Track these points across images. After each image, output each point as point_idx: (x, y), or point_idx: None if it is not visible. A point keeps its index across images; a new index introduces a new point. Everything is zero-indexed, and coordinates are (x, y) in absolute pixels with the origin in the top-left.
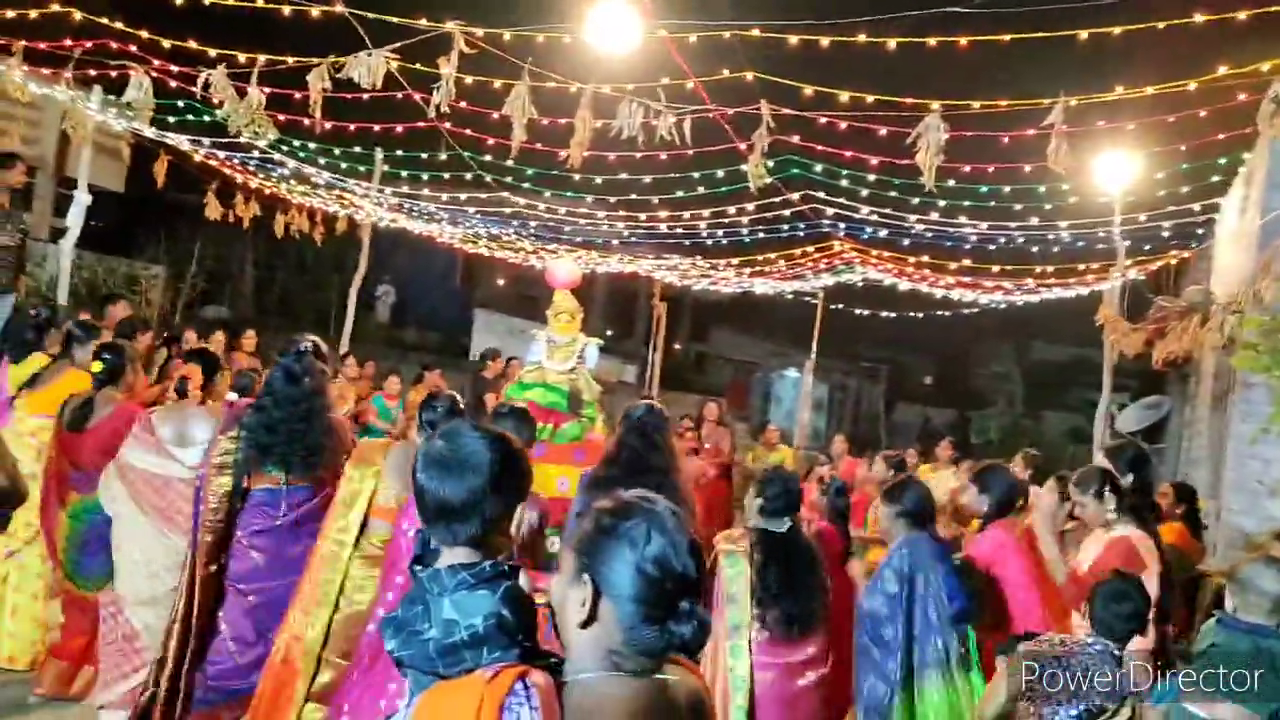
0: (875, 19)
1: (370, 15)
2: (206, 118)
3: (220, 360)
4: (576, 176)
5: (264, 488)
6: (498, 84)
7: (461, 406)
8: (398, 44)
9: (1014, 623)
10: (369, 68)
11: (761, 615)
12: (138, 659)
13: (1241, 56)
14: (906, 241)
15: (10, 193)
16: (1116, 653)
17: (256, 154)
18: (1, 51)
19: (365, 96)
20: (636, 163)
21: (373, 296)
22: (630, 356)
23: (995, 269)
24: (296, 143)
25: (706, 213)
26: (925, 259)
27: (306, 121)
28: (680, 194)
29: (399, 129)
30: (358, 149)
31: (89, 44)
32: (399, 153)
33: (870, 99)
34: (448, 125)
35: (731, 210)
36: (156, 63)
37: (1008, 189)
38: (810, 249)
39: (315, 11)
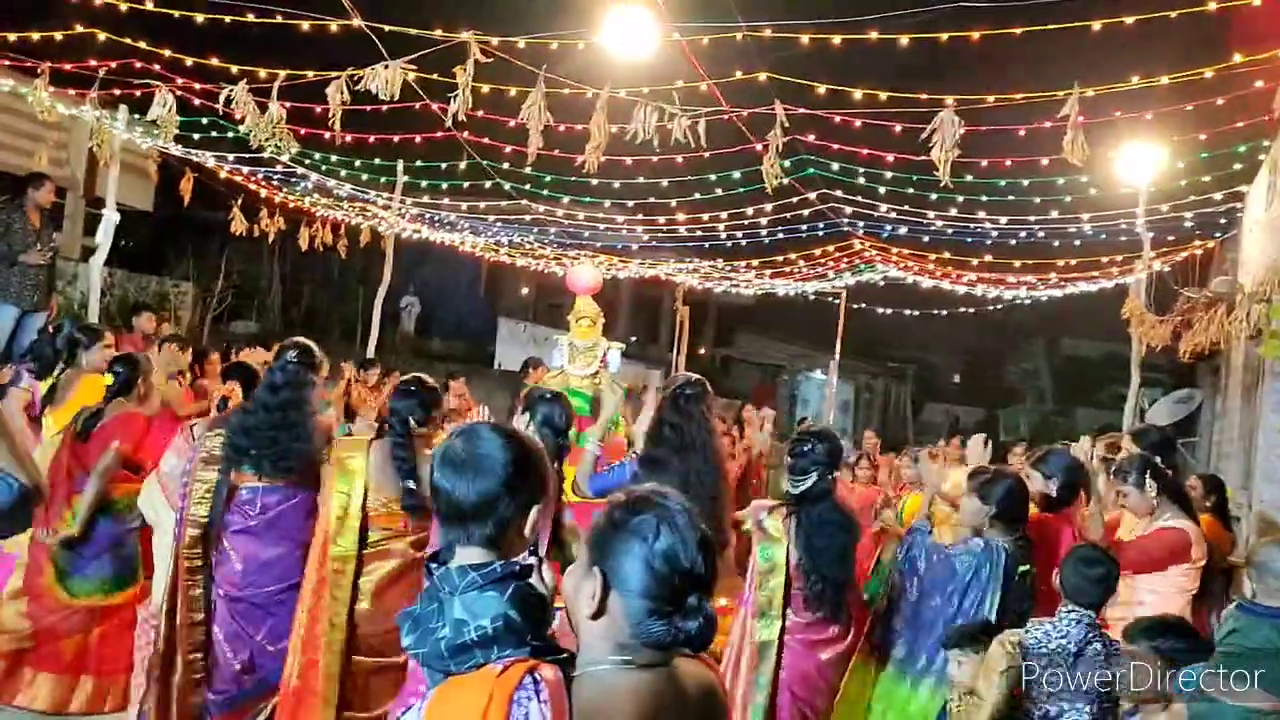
0: (886, 16)
1: (387, 28)
2: (230, 134)
3: (257, 372)
4: (594, 182)
5: (246, 486)
6: (513, 91)
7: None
8: (414, 55)
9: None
10: (386, 79)
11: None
12: None
13: (1257, 43)
14: (926, 238)
15: (40, 212)
16: (1093, 621)
17: (279, 168)
18: (28, 73)
19: (384, 108)
20: (653, 166)
21: (398, 308)
22: (655, 361)
23: (1017, 264)
24: (318, 156)
25: (725, 215)
26: (946, 255)
27: (327, 135)
28: (698, 196)
29: (418, 139)
30: (378, 160)
31: (114, 64)
32: (419, 163)
33: (884, 96)
34: (466, 134)
35: (750, 211)
36: (180, 80)
37: (1026, 183)
38: (830, 248)
39: (333, 26)
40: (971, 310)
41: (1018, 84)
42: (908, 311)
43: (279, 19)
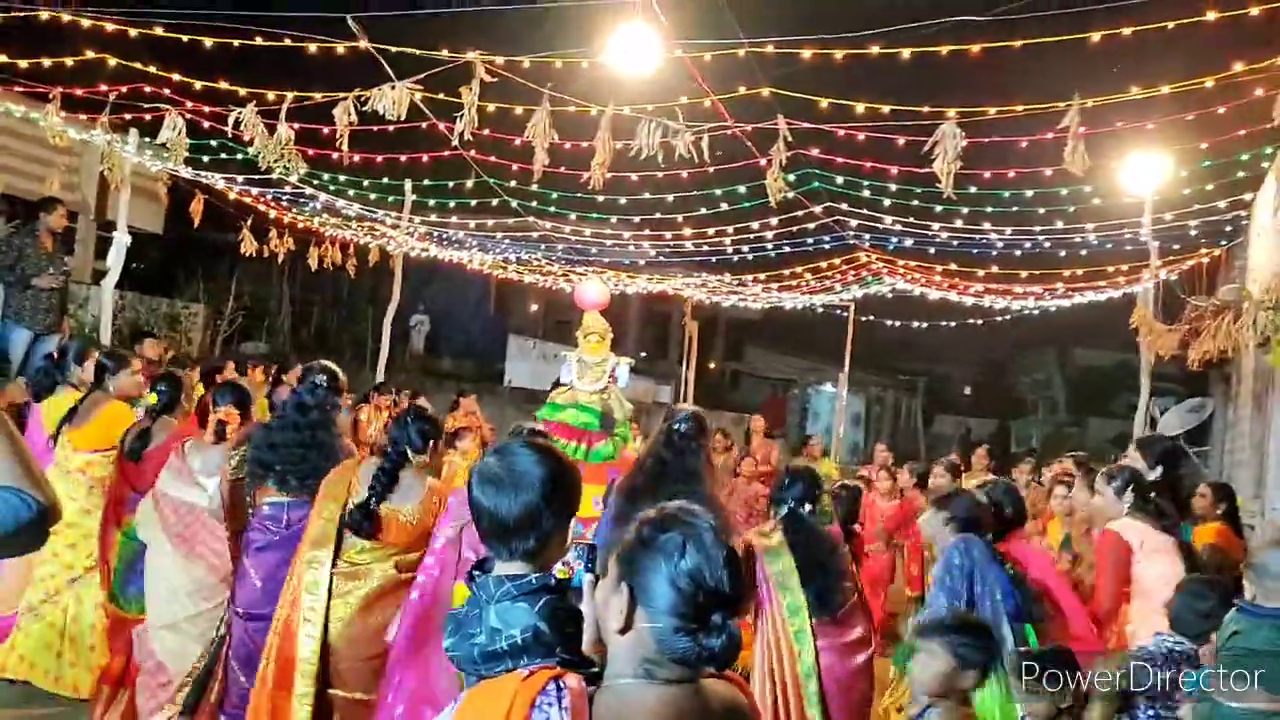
0: (887, 30)
1: (393, 49)
2: (239, 155)
3: (250, 393)
4: (600, 198)
5: (269, 501)
6: (519, 110)
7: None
8: (421, 75)
9: (1068, 623)
10: (393, 100)
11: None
12: (164, 694)
13: (1257, 52)
14: (932, 250)
15: (53, 236)
16: (1192, 652)
17: (288, 189)
18: (40, 99)
19: (391, 128)
20: (659, 182)
21: (407, 327)
22: (665, 376)
23: (1024, 274)
24: (326, 176)
25: (731, 229)
26: (952, 267)
27: (335, 155)
28: (704, 211)
29: (425, 159)
30: (386, 180)
31: (124, 89)
32: (426, 182)
33: (887, 109)
34: (472, 153)
35: (755, 225)
36: (189, 104)
37: (1030, 193)
38: (837, 261)
39: (340, 48)
40: (980, 321)
41: (1019, 96)
42: (915, 324)
43: (287, 42)
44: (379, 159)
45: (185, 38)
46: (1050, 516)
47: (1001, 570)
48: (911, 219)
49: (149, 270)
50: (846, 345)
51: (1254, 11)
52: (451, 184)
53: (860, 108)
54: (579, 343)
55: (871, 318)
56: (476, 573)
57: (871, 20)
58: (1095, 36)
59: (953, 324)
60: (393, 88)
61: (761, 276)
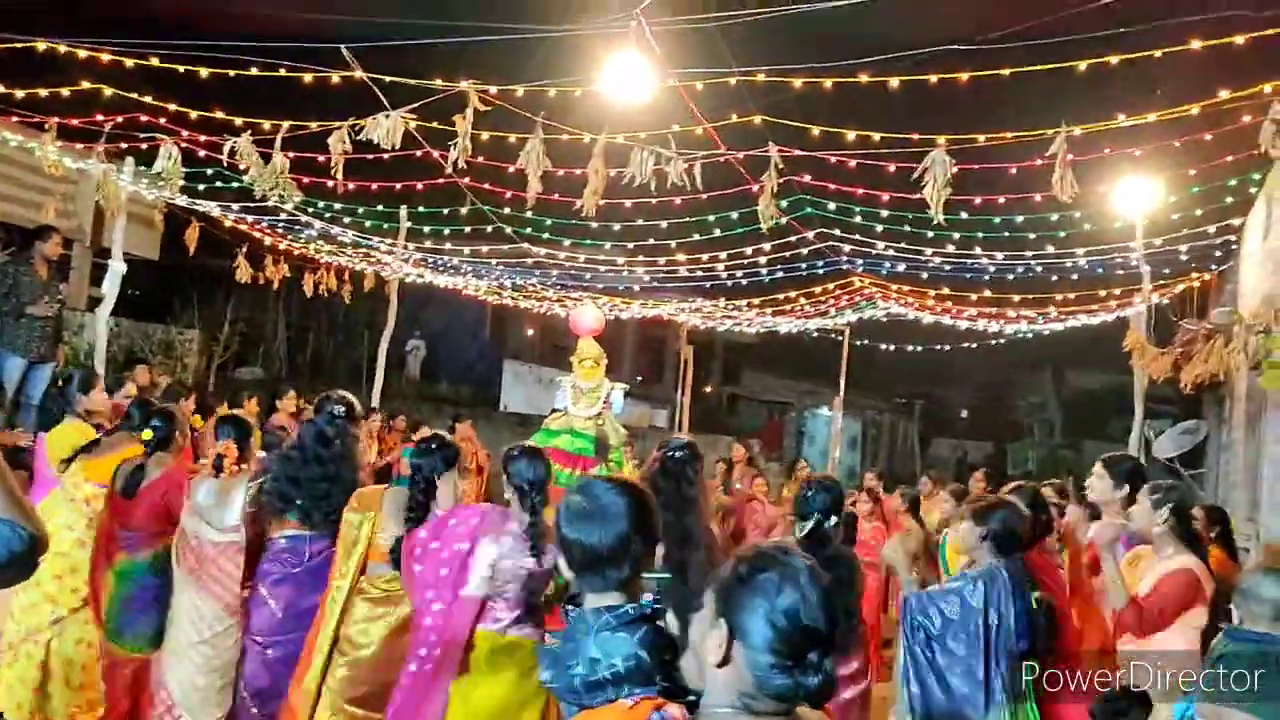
0: (876, 59)
1: (388, 78)
2: (234, 183)
3: (251, 426)
4: (594, 225)
5: (287, 534)
6: (513, 138)
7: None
8: (415, 104)
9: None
10: (388, 129)
11: None
12: None
13: (1242, 79)
14: (925, 275)
15: (48, 264)
16: None
17: (284, 216)
18: (36, 128)
19: (386, 156)
20: (652, 208)
21: (403, 352)
22: (661, 401)
23: (1016, 298)
24: (321, 204)
25: (724, 255)
26: (945, 291)
27: (330, 183)
28: (697, 237)
29: (420, 186)
30: (381, 207)
31: (120, 118)
32: (421, 209)
33: (877, 137)
34: (466, 180)
35: (749, 251)
36: (185, 133)
37: (1020, 219)
38: (830, 286)
39: (335, 78)
40: (974, 345)
41: (1008, 123)
42: (910, 348)
43: (282, 72)
44: (374, 186)
45: (181, 68)
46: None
47: (1023, 604)
48: (904, 244)
49: (144, 297)
50: (842, 369)
51: (1239, 40)
52: (446, 211)
53: (851, 135)
54: (574, 368)
55: (866, 342)
56: (569, 607)
57: (861, 49)
58: (1082, 65)
59: (947, 347)
60: (387, 116)
61: (756, 301)
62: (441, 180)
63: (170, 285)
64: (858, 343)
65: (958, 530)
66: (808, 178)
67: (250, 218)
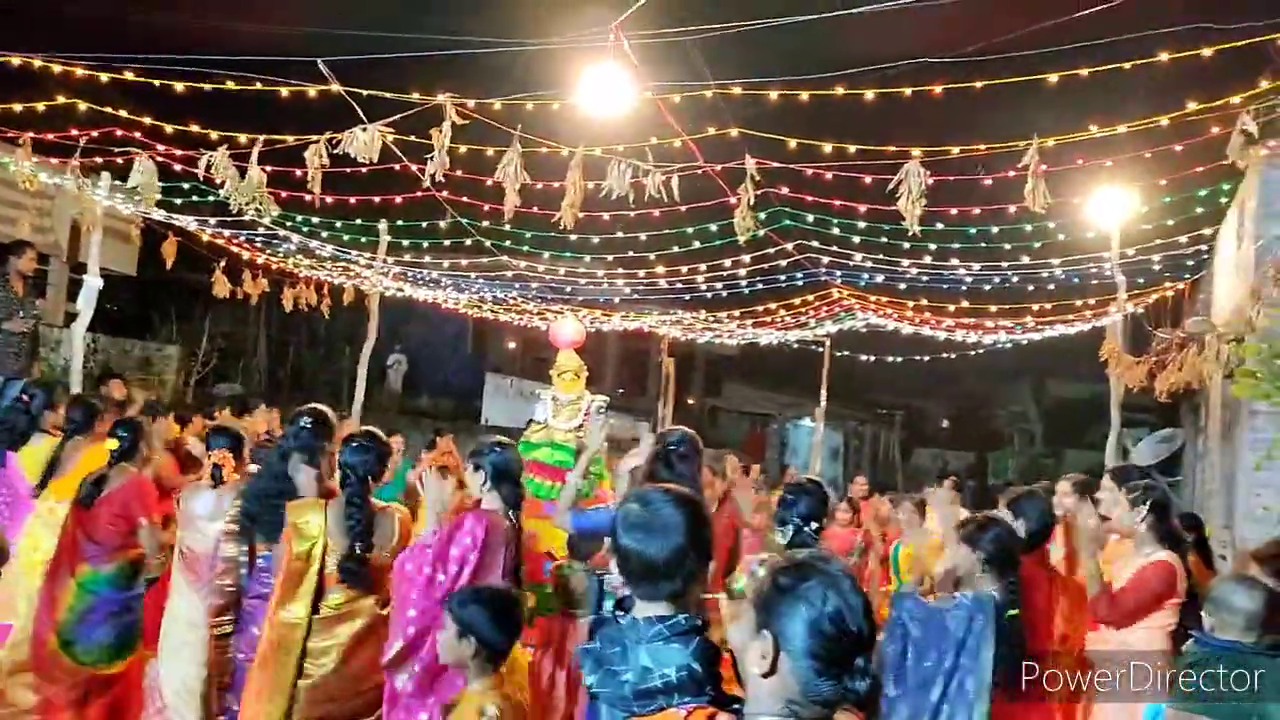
0: (851, 72)
1: (365, 92)
2: (211, 198)
3: (244, 435)
4: (573, 237)
5: (264, 554)
6: (490, 151)
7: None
8: (392, 118)
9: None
10: (365, 142)
11: None
12: None
13: (1211, 91)
14: (903, 286)
15: (24, 280)
16: None
17: (262, 231)
18: (10, 143)
19: (364, 170)
20: (631, 221)
21: (384, 366)
22: (642, 413)
23: (993, 309)
24: (299, 218)
25: (704, 267)
26: (924, 302)
27: (308, 197)
28: (676, 249)
29: (398, 200)
30: (360, 221)
31: (94, 132)
32: (399, 222)
33: (853, 149)
34: (445, 194)
35: (728, 263)
36: (161, 147)
37: (996, 230)
38: (810, 297)
39: (312, 91)
40: (953, 355)
41: (982, 135)
42: (890, 358)
43: (258, 86)
44: (352, 200)
45: (157, 82)
46: None
47: (999, 642)
48: (881, 255)
49: (122, 312)
50: (822, 380)
51: (1206, 52)
52: (425, 224)
53: (828, 147)
54: (553, 380)
55: (847, 353)
56: (619, 613)
57: (836, 62)
58: (1053, 78)
59: (926, 358)
60: (364, 130)
61: (736, 313)
62: (420, 194)
63: (148, 301)
64: (838, 354)
65: (909, 538)
66: (785, 190)
67: (228, 232)
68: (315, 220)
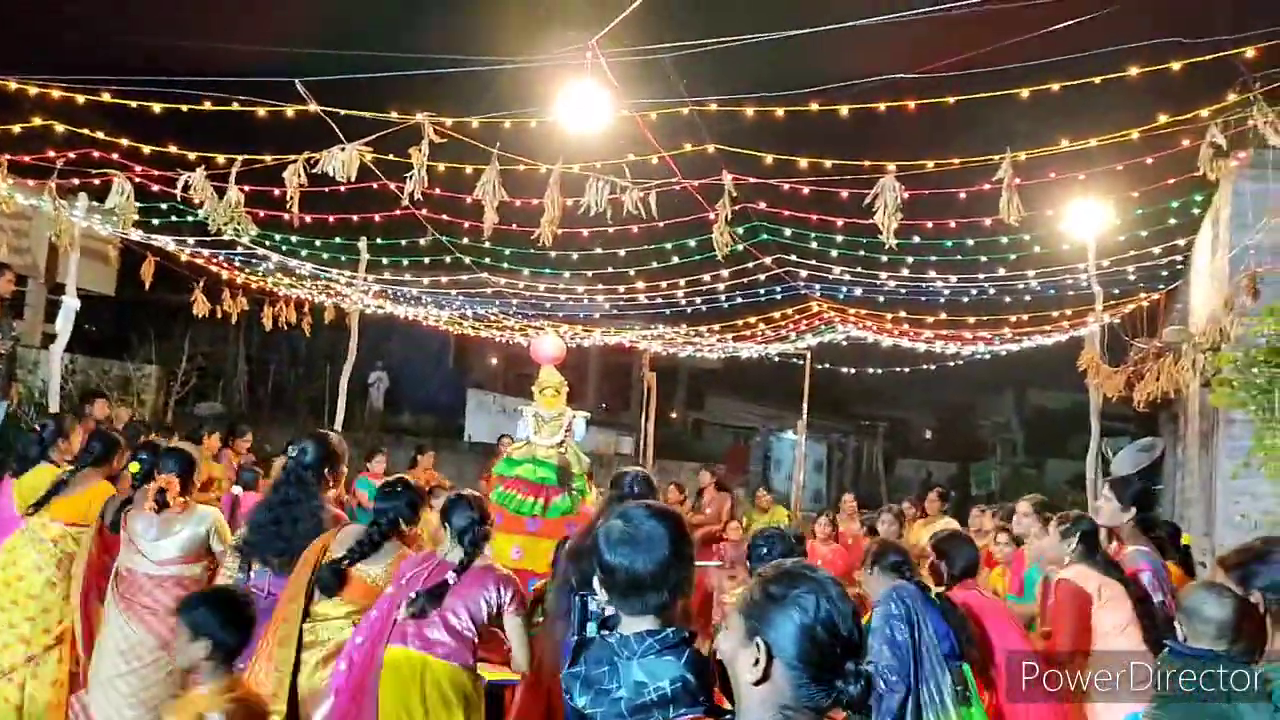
0: (825, 88)
1: (342, 111)
2: (190, 218)
3: (194, 460)
4: (553, 254)
5: (256, 572)
6: (469, 169)
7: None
8: (370, 137)
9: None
10: (343, 162)
11: None
12: None
13: (1180, 104)
14: (881, 298)
15: (0, 301)
16: None
17: (241, 250)
18: None
19: (343, 188)
20: (610, 237)
21: (366, 384)
22: (626, 428)
23: (971, 320)
24: (278, 237)
25: (683, 281)
26: (902, 314)
27: (287, 216)
28: (655, 265)
29: (378, 218)
30: (339, 239)
31: (72, 154)
32: (379, 240)
33: (829, 164)
34: (424, 211)
35: (707, 278)
36: (138, 168)
37: (971, 242)
38: (789, 311)
39: (290, 111)
40: (933, 367)
41: (956, 149)
42: (871, 370)
43: (235, 106)
44: (331, 219)
45: (134, 103)
46: (993, 564)
47: (935, 611)
48: (859, 269)
49: (101, 333)
50: (804, 393)
51: (1175, 67)
52: (405, 242)
53: (804, 162)
54: (535, 397)
55: (828, 365)
56: (604, 632)
57: (811, 78)
58: (1025, 93)
59: (907, 370)
60: (342, 149)
61: (716, 327)
62: (399, 212)
63: (127, 321)
64: (819, 366)
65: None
66: (763, 205)
67: (207, 251)
68: (295, 239)
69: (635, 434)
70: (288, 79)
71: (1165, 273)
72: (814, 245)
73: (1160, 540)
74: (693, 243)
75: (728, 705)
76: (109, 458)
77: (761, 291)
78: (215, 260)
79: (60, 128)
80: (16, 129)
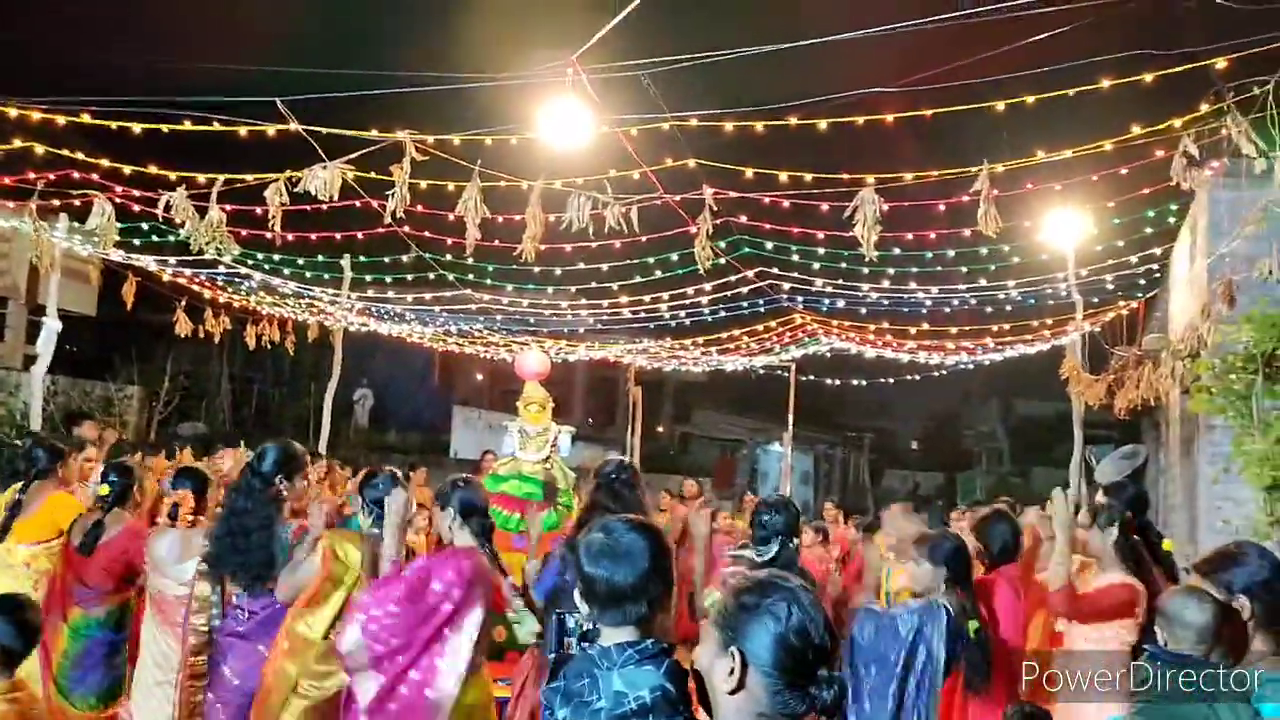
0: (803, 103)
1: (324, 130)
2: (172, 238)
3: (209, 477)
4: (536, 269)
5: (236, 593)
6: (451, 186)
7: (401, 477)
8: (352, 155)
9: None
10: (325, 180)
11: None
12: None
13: (1154, 115)
14: (864, 310)
15: None
16: None
17: (223, 269)
18: None
19: (325, 207)
20: (593, 252)
21: (351, 401)
22: (612, 443)
23: (954, 330)
24: (261, 256)
25: (667, 295)
26: (885, 325)
27: (269, 235)
28: (638, 279)
29: (359, 235)
30: (322, 257)
31: (52, 175)
32: (362, 258)
33: (809, 177)
34: (406, 229)
35: (690, 291)
36: (119, 189)
37: (952, 254)
38: (773, 323)
39: (271, 130)
40: (918, 377)
41: (935, 161)
42: (855, 381)
43: (216, 125)
44: (313, 237)
45: (114, 124)
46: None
47: (956, 645)
48: (841, 281)
49: (82, 353)
50: (789, 405)
51: (1148, 78)
52: (388, 259)
53: (784, 176)
54: (520, 412)
55: (812, 377)
56: (585, 644)
57: (789, 93)
58: (1000, 106)
59: (891, 381)
60: (324, 168)
61: (700, 340)
62: (382, 229)
63: (108, 341)
64: (804, 378)
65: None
66: (744, 218)
67: (189, 271)
68: (277, 258)
69: (622, 448)
70: (269, 98)
71: (1143, 281)
72: (795, 258)
73: (1141, 553)
74: (675, 257)
75: (702, 717)
76: (54, 467)
77: (745, 305)
78: (197, 280)
79: (40, 149)
80: None
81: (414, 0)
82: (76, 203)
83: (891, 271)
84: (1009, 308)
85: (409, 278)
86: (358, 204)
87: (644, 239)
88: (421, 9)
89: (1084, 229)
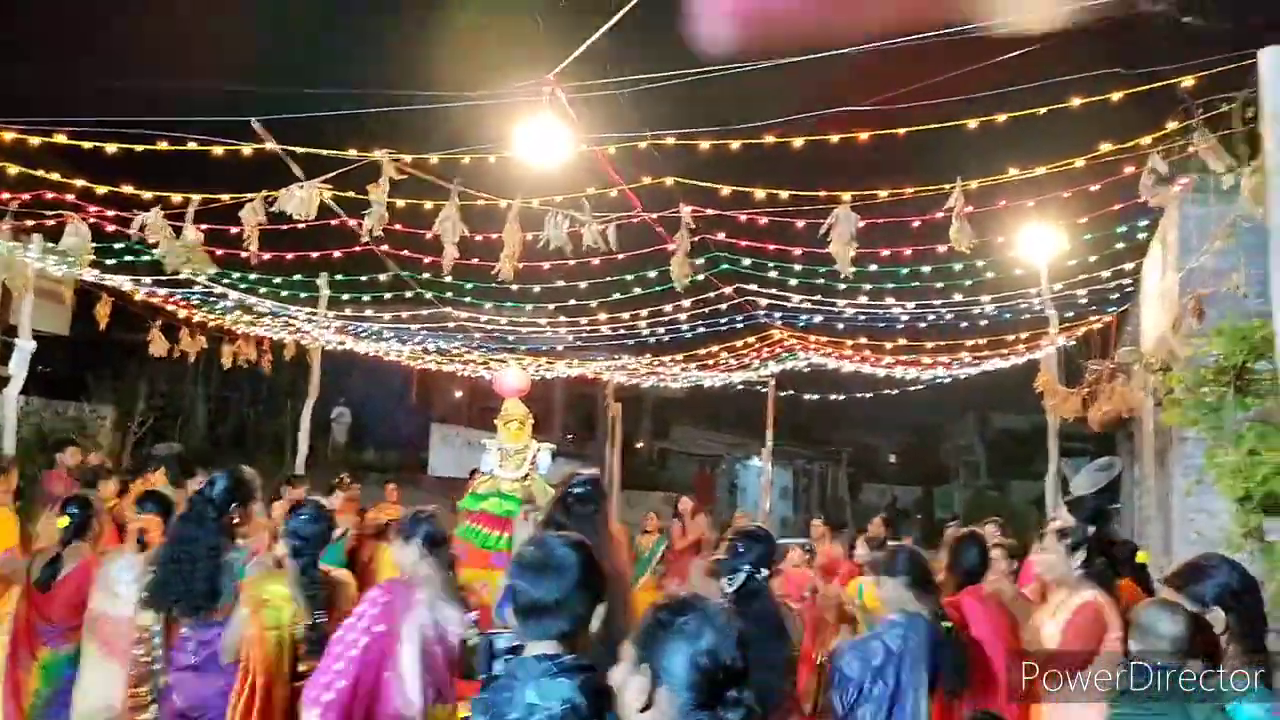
0: (779, 121)
1: (300, 150)
2: (146, 257)
3: (173, 502)
4: (514, 287)
5: (184, 624)
6: (429, 205)
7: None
8: (329, 174)
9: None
10: (302, 200)
11: None
12: None
13: (1123, 133)
14: (841, 326)
15: None
16: None
17: (198, 289)
18: None
19: (302, 225)
20: (571, 270)
21: (328, 420)
22: (592, 459)
23: (930, 345)
24: (237, 275)
25: (645, 312)
26: (862, 341)
27: (245, 254)
28: (617, 296)
29: (337, 254)
30: (299, 276)
31: (26, 196)
32: (339, 276)
33: (785, 194)
34: (384, 247)
35: (669, 308)
36: (93, 209)
37: (927, 269)
38: (751, 339)
39: (247, 150)
40: (895, 391)
41: (910, 178)
42: (834, 396)
43: (192, 145)
44: (290, 256)
45: (88, 145)
46: None
47: (939, 655)
48: (819, 296)
49: (56, 373)
50: (767, 420)
51: (1116, 97)
52: (365, 278)
53: (760, 193)
54: (499, 430)
55: (791, 392)
56: (509, 656)
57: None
58: (973, 123)
59: (869, 395)
60: (301, 187)
61: (679, 357)
62: (359, 248)
63: (82, 362)
64: (782, 393)
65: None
66: (721, 235)
67: (164, 291)
68: (253, 276)
69: (601, 464)
70: (244, 118)
71: (1115, 295)
72: (773, 274)
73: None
74: (653, 274)
75: None
76: None
77: (723, 321)
78: (173, 299)
79: (13, 169)
80: None
81: (391, 19)
82: (50, 222)
83: (868, 287)
84: (984, 322)
85: (386, 296)
86: (334, 223)
87: (622, 256)
88: (399, 28)
89: (1056, 244)
